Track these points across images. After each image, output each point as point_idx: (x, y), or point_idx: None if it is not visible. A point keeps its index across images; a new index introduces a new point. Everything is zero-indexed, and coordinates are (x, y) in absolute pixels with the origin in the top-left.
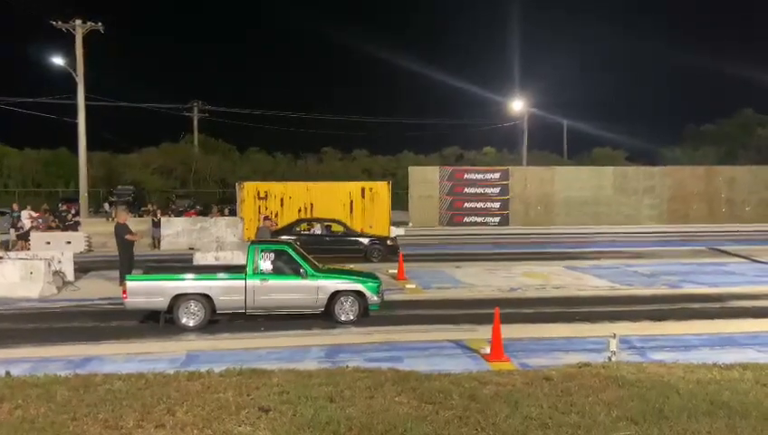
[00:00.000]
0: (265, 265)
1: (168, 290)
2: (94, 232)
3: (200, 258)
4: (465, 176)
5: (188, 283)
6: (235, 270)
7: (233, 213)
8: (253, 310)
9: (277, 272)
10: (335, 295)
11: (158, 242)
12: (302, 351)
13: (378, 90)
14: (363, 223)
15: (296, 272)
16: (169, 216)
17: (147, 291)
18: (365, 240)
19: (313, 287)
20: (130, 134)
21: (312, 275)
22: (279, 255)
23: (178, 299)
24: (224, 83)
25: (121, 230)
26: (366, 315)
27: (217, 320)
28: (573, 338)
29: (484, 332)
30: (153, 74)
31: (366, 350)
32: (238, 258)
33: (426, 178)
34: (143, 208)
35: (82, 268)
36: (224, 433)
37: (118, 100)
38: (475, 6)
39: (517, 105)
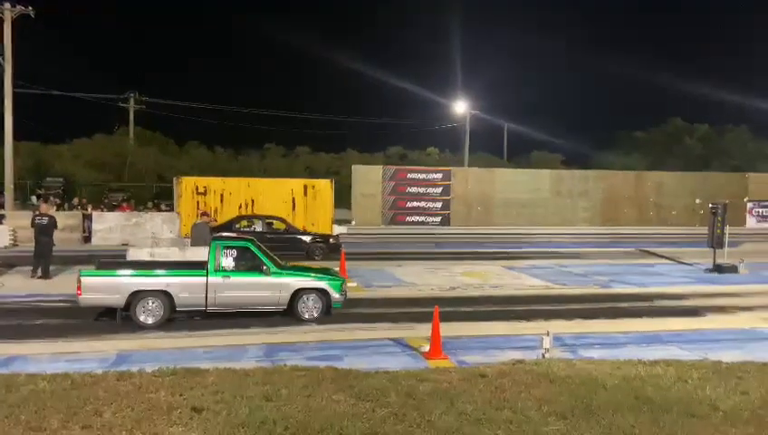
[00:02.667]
0: (227, 261)
1: (125, 287)
2: (20, 226)
3: (134, 254)
4: (408, 175)
5: (147, 279)
6: (197, 267)
7: (170, 208)
8: (214, 307)
9: (240, 269)
10: (298, 293)
11: (89, 237)
12: (240, 350)
13: (322, 88)
14: (305, 221)
15: (259, 269)
16: (102, 210)
17: (103, 287)
18: (307, 238)
19: (276, 285)
20: (62, 124)
21: (276, 273)
22: (242, 251)
23: (136, 296)
24: (162, 75)
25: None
26: (329, 314)
27: (174, 318)
28: (510, 336)
29: (424, 330)
30: (87, 63)
31: (305, 348)
32: (174, 254)
33: (369, 177)
34: (72, 202)
35: (7, 263)
36: (154, 434)
37: (49, 88)
38: (420, 10)
39: (460, 107)
